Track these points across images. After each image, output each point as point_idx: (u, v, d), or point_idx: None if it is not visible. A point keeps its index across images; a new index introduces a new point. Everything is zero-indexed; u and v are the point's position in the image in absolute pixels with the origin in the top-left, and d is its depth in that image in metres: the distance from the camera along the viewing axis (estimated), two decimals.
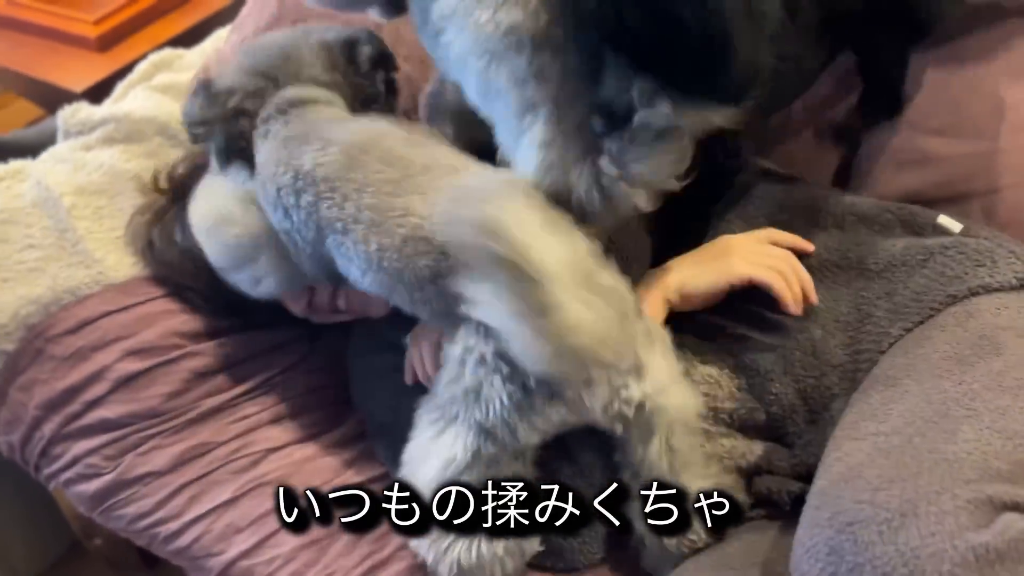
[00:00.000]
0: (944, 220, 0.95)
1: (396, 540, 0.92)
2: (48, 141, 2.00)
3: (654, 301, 0.92)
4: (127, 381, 1.00)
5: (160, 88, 1.29)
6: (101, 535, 1.32)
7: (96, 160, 1.15)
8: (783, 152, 1.13)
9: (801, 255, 0.94)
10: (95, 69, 1.61)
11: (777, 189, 1.01)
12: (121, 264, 1.09)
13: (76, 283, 1.05)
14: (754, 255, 0.94)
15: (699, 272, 0.93)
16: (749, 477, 0.92)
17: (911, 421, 0.72)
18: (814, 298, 0.92)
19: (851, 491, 0.68)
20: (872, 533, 0.64)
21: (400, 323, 1.04)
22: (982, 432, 0.68)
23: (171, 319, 1.04)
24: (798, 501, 0.86)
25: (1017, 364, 0.75)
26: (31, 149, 2.04)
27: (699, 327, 0.95)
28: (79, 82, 1.59)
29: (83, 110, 1.21)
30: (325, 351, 1.12)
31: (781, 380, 0.91)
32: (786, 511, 0.88)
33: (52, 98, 1.71)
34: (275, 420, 1.04)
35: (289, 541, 0.93)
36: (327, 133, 0.84)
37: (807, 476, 0.88)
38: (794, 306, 0.90)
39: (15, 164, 1.17)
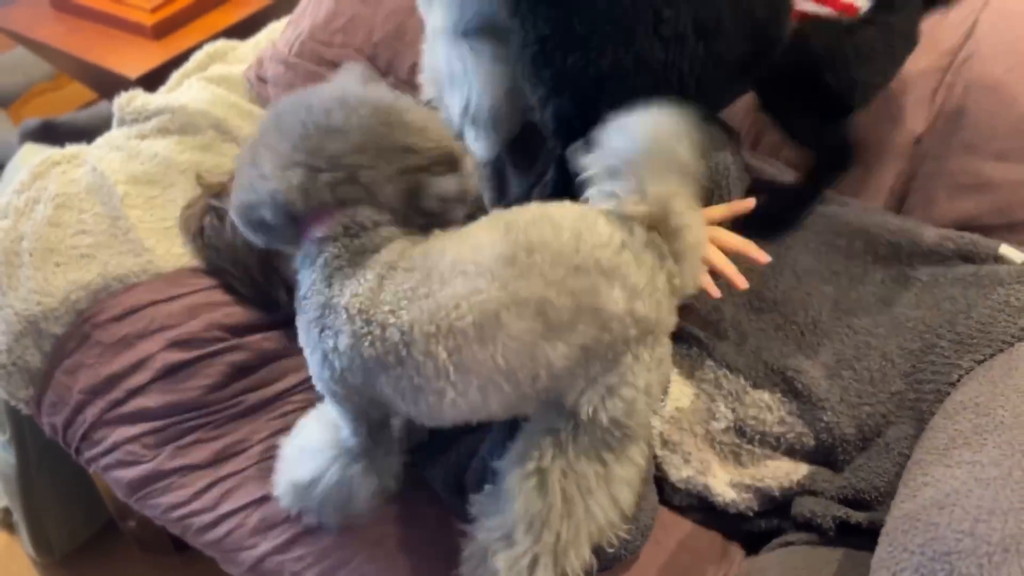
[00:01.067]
0: (1006, 250, 0.94)
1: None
2: (102, 124, 2.04)
3: None
4: (170, 371, 1.01)
5: (215, 79, 1.30)
6: (135, 517, 1.33)
7: (150, 150, 1.16)
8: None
9: (854, 286, 0.93)
10: (150, 56, 1.64)
11: (835, 213, 1.00)
12: (170, 254, 1.10)
13: (125, 271, 1.06)
14: None
15: None
16: (790, 498, 0.92)
17: (1009, 453, 0.70)
18: (761, 257, 0.89)
19: (948, 519, 0.66)
20: (971, 566, 0.62)
21: None
22: None
23: (215, 312, 1.05)
24: (842, 527, 0.86)
25: None
26: (84, 132, 2.08)
27: (753, 354, 0.95)
28: (134, 69, 1.61)
29: (139, 98, 1.23)
30: None
31: (835, 409, 0.91)
32: (830, 536, 0.87)
33: (106, 83, 1.74)
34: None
35: (321, 539, 0.93)
36: None
37: (853, 501, 0.87)
38: (712, 290, 0.86)
39: (71, 149, 1.18)
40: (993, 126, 1.02)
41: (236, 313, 1.06)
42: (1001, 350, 0.85)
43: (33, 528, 1.34)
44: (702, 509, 0.95)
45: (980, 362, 0.85)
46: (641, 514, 0.84)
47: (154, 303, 1.04)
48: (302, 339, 0.74)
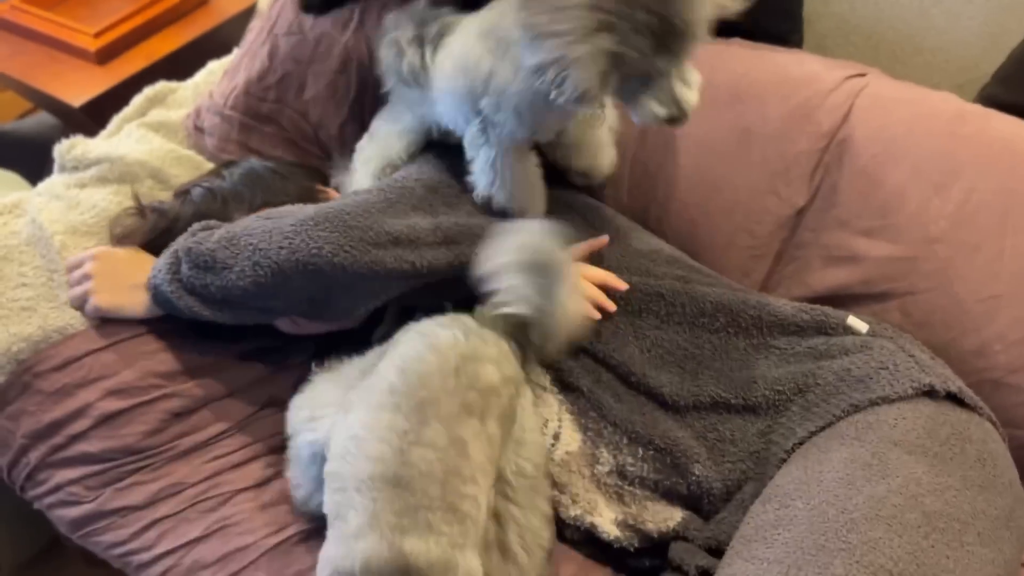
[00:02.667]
0: (853, 321, 1.04)
1: None
2: (46, 132, 2.07)
3: None
4: (108, 419, 1.08)
5: (154, 126, 1.36)
6: None
7: (89, 200, 1.21)
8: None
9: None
10: (94, 83, 1.67)
11: (701, 293, 1.09)
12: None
13: (64, 323, 1.12)
14: None
15: None
16: (667, 540, 1.03)
17: (792, 551, 0.79)
18: (620, 285, 1.08)
19: None
20: None
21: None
22: (851, 567, 0.75)
23: (150, 359, 1.12)
24: (704, 573, 0.97)
25: (898, 489, 0.82)
26: (29, 140, 2.11)
27: (627, 407, 1.05)
28: (78, 96, 1.65)
29: (79, 146, 1.28)
30: (292, 394, 1.22)
31: (704, 463, 1.01)
32: None
33: (51, 106, 1.78)
34: (245, 461, 1.12)
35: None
36: None
37: (716, 550, 0.98)
38: (593, 314, 1.06)
39: (13, 197, 1.23)
40: (862, 205, 1.12)
41: (169, 359, 1.13)
42: (831, 423, 0.94)
43: None
44: (591, 543, 1.06)
45: (813, 432, 0.95)
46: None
47: (91, 352, 1.11)
48: None
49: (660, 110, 0.90)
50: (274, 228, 1.00)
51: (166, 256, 1.07)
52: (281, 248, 0.98)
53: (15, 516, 1.43)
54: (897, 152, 1.11)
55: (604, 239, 1.11)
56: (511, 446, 0.94)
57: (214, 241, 1.03)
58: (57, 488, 1.08)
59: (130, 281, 1.10)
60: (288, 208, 1.07)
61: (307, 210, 1.03)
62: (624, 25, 0.85)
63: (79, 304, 1.13)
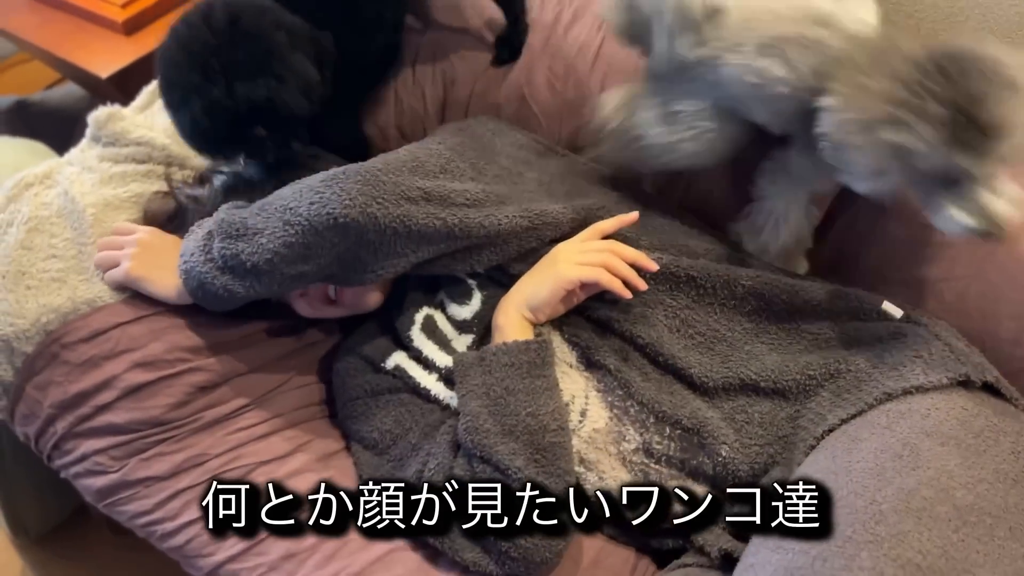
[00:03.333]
0: (887, 306, 1.02)
1: (366, 556, 1.02)
2: (73, 104, 2.08)
3: (516, 322, 1.03)
4: (134, 391, 1.09)
5: None
6: None
7: (123, 176, 1.22)
8: None
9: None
10: (121, 54, 1.67)
11: (734, 276, 1.07)
12: None
13: (93, 295, 1.12)
14: (577, 255, 1.03)
15: (537, 285, 1.04)
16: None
17: (818, 542, 0.78)
18: (651, 265, 1.03)
19: None
20: None
21: (381, 343, 1.14)
22: (878, 560, 0.73)
23: (177, 333, 1.12)
24: (727, 557, 0.96)
25: (929, 481, 0.81)
26: (57, 111, 2.12)
27: (654, 386, 1.04)
28: (105, 67, 1.64)
29: (118, 122, 1.26)
30: (315, 370, 1.22)
31: (732, 445, 1.00)
32: (717, 563, 0.98)
33: (77, 76, 1.78)
34: (267, 434, 1.13)
35: (274, 550, 1.02)
36: None
37: (737, 535, 0.97)
38: (623, 292, 1.02)
39: (45, 166, 1.23)
40: None
41: (195, 334, 1.13)
42: (862, 411, 0.93)
43: (9, 513, 1.43)
44: (614, 524, 1.05)
45: (845, 420, 0.93)
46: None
47: (119, 324, 1.11)
48: None
49: (964, 218, 0.84)
50: (304, 187, 0.99)
51: (195, 239, 1.05)
52: (312, 203, 0.96)
53: (41, 485, 1.45)
54: None
55: (634, 215, 1.09)
56: None
57: (247, 211, 1.02)
58: (83, 458, 1.09)
59: (169, 264, 1.09)
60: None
61: (336, 168, 1.02)
62: (910, 116, 0.80)
63: (109, 265, 1.13)
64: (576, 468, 1.03)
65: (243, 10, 1.08)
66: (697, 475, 1.02)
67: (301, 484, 1.08)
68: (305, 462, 1.12)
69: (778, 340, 1.03)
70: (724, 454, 1.00)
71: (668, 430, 1.02)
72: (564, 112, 1.30)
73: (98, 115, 1.28)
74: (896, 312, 1.02)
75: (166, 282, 1.10)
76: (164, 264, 1.10)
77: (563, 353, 1.08)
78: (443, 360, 1.11)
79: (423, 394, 1.11)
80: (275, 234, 0.97)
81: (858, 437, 0.89)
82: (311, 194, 0.97)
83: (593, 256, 1.03)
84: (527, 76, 1.31)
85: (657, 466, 1.03)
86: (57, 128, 1.94)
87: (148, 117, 1.31)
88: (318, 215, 0.96)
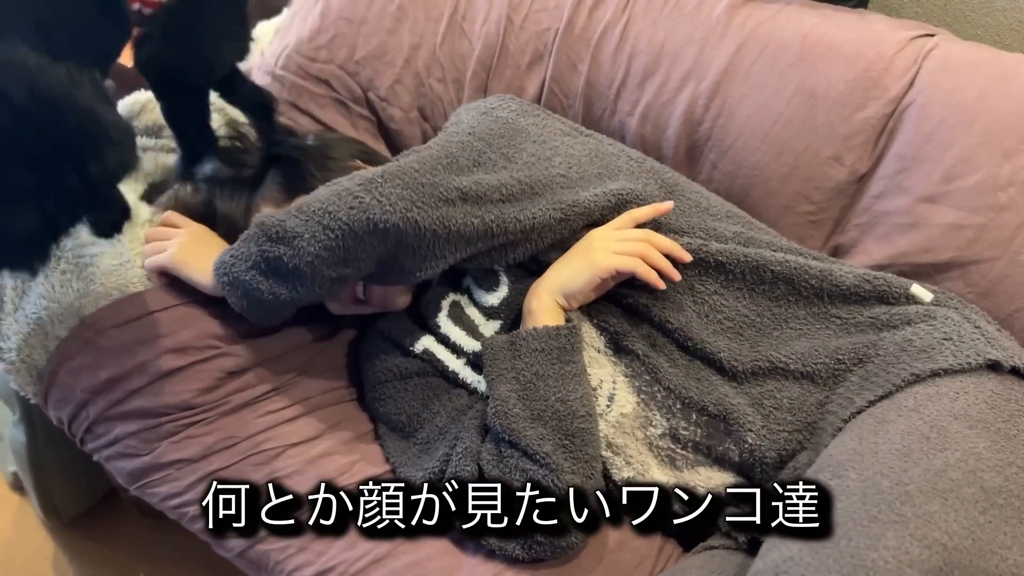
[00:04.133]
0: (917, 289, 1.02)
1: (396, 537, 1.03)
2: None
3: (548, 307, 1.03)
4: (165, 376, 1.10)
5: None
6: None
7: (153, 164, 1.23)
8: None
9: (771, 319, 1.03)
10: None
11: (762, 259, 1.06)
12: None
13: (125, 281, 1.14)
14: (612, 244, 1.03)
15: (572, 272, 1.04)
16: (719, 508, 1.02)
17: (843, 522, 0.77)
18: (685, 256, 1.03)
19: None
20: None
21: (409, 326, 1.15)
22: (904, 540, 0.72)
23: (207, 322, 1.13)
24: (753, 540, 0.96)
25: (957, 463, 0.80)
26: None
27: (682, 372, 1.04)
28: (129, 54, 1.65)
29: (153, 111, 1.27)
30: (342, 353, 1.23)
31: (759, 432, 1.00)
32: (744, 547, 0.98)
33: None
34: (295, 417, 1.14)
35: (303, 531, 1.04)
36: None
37: None
38: (658, 283, 1.02)
39: None
40: (927, 171, 1.09)
41: (226, 322, 1.14)
42: (890, 393, 0.92)
43: (42, 496, 1.45)
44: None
45: (872, 402, 0.93)
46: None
47: (151, 312, 1.12)
48: None
49: None
50: (342, 190, 0.98)
51: (233, 251, 1.06)
52: (352, 208, 0.96)
53: (73, 468, 1.47)
54: (966, 117, 1.08)
55: (669, 204, 1.08)
56: None
57: (284, 212, 1.02)
58: (115, 441, 1.11)
59: (213, 255, 1.10)
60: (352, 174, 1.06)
61: (373, 170, 1.01)
62: None
63: (156, 251, 1.15)
64: (603, 453, 1.04)
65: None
66: (723, 462, 1.03)
67: (329, 466, 1.09)
68: (333, 444, 1.13)
69: (807, 325, 1.03)
70: (750, 441, 1.00)
71: (695, 416, 1.03)
72: (588, 93, 1.29)
73: (131, 105, 1.28)
74: (926, 295, 1.01)
75: (204, 269, 1.11)
76: (209, 256, 1.11)
77: (591, 338, 1.08)
78: (471, 345, 1.11)
79: (451, 378, 1.12)
80: (316, 237, 0.97)
81: (885, 419, 0.89)
82: (350, 198, 0.97)
83: (630, 245, 1.03)
84: (552, 58, 1.31)
85: (683, 451, 1.03)
86: None
87: None
88: (358, 220, 0.95)
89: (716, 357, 1.03)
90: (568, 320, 1.06)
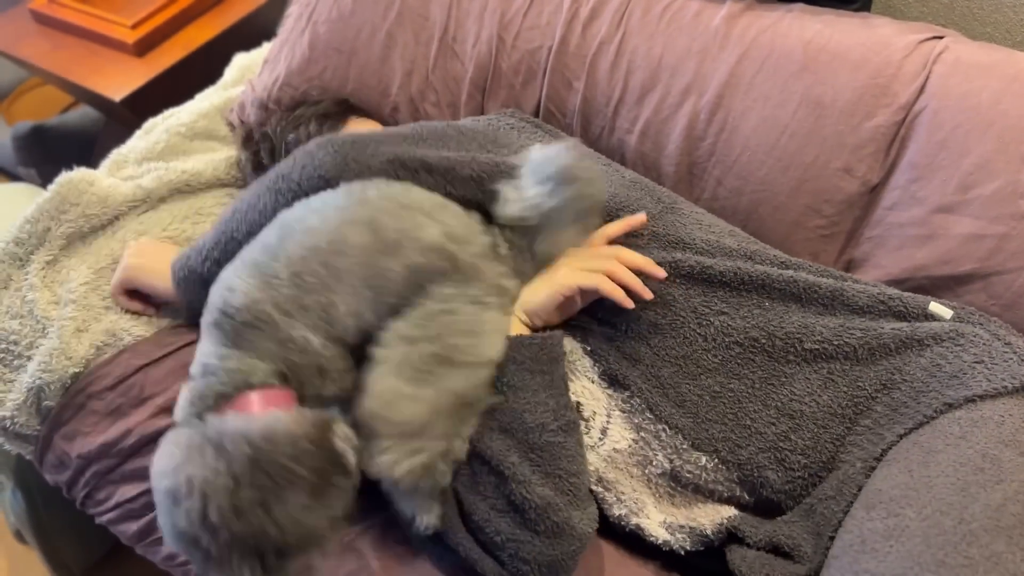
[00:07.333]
0: (935, 307, 0.96)
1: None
2: (90, 126, 2.06)
3: (514, 323, 0.98)
4: (159, 436, 1.06)
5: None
6: None
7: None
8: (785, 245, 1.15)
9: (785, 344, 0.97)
10: (133, 75, 1.66)
11: (771, 276, 1.00)
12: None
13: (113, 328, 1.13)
14: (579, 261, 0.97)
15: (536, 288, 0.98)
16: (722, 538, 0.97)
17: (909, 566, 0.74)
18: (659, 272, 0.96)
19: None
20: None
21: None
22: None
23: None
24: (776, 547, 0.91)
25: (1015, 496, 0.77)
26: (74, 134, 2.10)
27: (693, 418, 0.98)
28: (118, 90, 1.63)
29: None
30: None
31: (777, 472, 0.94)
32: None
33: (92, 100, 1.76)
34: None
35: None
36: None
37: (773, 549, 0.92)
38: (626, 302, 0.94)
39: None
40: (942, 180, 1.04)
41: None
42: (922, 423, 0.87)
43: (50, 557, 1.43)
44: (640, 543, 0.99)
45: (903, 435, 0.88)
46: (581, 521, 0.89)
47: (141, 368, 1.10)
48: None
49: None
50: (298, 152, 0.98)
51: (190, 247, 1.06)
52: (304, 167, 0.96)
53: (79, 525, 1.45)
54: (982, 122, 1.02)
55: (642, 217, 1.01)
56: None
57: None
58: (116, 506, 1.09)
59: (166, 258, 1.09)
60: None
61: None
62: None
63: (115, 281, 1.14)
64: (594, 487, 0.98)
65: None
66: (730, 501, 0.97)
67: None
68: None
69: (821, 347, 0.96)
70: (764, 494, 0.95)
71: (704, 459, 0.96)
72: (585, 111, 1.25)
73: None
74: (946, 312, 0.96)
75: (162, 271, 1.09)
76: (163, 258, 1.10)
77: (583, 367, 1.01)
78: None
79: None
80: (267, 204, 0.97)
81: (932, 449, 0.84)
82: (304, 156, 0.97)
83: (595, 262, 0.96)
84: (546, 76, 1.26)
85: (684, 490, 0.98)
86: (77, 150, 1.93)
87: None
88: (309, 178, 0.95)
89: (728, 384, 0.96)
90: (541, 331, 0.99)
